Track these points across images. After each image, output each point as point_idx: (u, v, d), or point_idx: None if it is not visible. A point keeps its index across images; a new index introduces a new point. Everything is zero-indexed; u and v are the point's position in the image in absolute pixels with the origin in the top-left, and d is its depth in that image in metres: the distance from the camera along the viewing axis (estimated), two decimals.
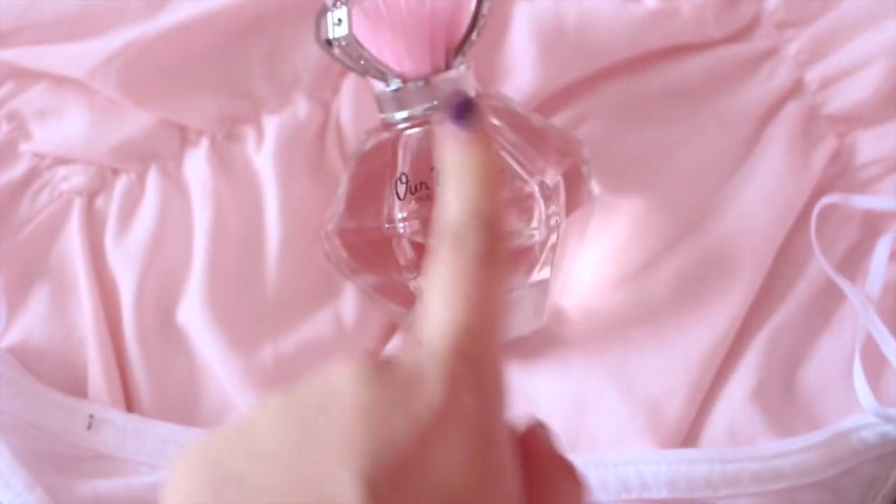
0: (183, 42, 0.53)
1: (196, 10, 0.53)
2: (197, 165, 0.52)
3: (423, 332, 0.31)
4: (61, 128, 0.53)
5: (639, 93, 0.53)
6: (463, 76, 0.46)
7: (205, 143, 0.53)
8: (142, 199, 0.53)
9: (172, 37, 0.52)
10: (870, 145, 0.52)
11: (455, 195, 0.32)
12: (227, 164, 0.53)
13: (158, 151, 0.53)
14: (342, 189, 0.48)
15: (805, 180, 0.52)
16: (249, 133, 0.53)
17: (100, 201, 0.53)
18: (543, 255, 0.46)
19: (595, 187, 0.49)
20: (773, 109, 0.53)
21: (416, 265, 0.45)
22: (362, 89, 0.53)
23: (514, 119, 0.47)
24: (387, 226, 0.45)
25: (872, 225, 0.51)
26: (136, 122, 0.53)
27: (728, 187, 0.52)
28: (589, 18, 0.53)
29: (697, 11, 0.53)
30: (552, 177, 0.45)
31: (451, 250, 0.31)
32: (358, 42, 0.43)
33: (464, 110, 0.33)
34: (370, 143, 0.47)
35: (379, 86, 0.46)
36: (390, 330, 0.52)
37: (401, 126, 0.46)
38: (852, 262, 0.51)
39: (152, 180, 0.53)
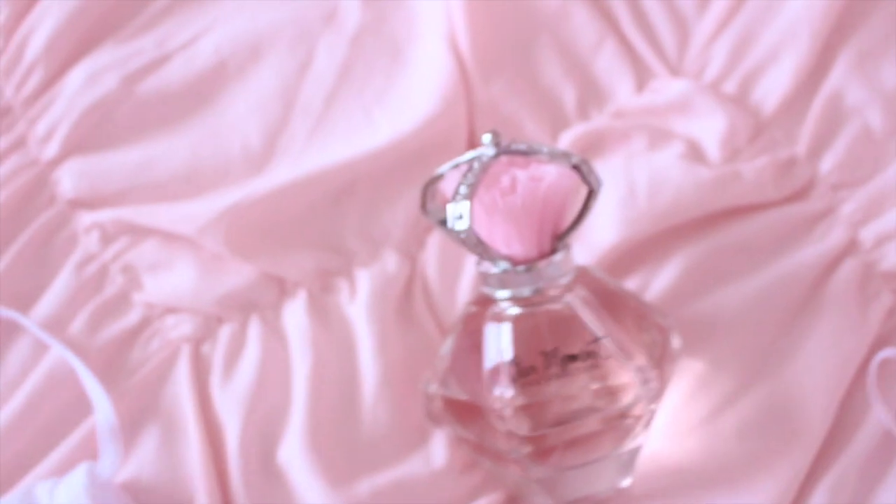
0: (282, 202, 0.58)
1: (293, 175, 0.58)
2: (295, 315, 0.57)
3: None
4: (171, 280, 0.58)
5: (703, 251, 0.56)
6: (564, 260, 0.49)
7: (302, 294, 0.57)
8: (244, 346, 0.57)
9: (273, 198, 0.57)
10: None
11: None
12: (323, 315, 0.57)
13: (259, 302, 0.57)
14: (445, 351, 0.51)
15: (863, 333, 0.55)
16: (343, 286, 0.58)
17: (206, 348, 0.57)
18: (638, 426, 0.49)
19: (678, 349, 0.52)
20: (831, 266, 0.57)
21: (514, 438, 0.49)
22: (445, 243, 0.58)
23: (605, 294, 0.51)
24: (497, 406, 0.48)
25: None
26: (239, 274, 0.58)
27: (789, 340, 0.55)
28: (658, 179, 0.58)
29: (757, 174, 0.57)
30: (646, 356, 0.49)
31: None
32: (476, 235, 0.47)
33: None
34: (472, 314, 0.51)
35: (486, 264, 0.49)
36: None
37: (502, 305, 0.50)
38: None
39: (254, 329, 0.57)
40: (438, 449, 0.54)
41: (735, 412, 0.53)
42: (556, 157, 0.47)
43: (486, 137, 0.48)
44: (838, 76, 0.60)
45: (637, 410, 0.49)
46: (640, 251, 0.57)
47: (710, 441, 0.53)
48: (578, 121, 0.61)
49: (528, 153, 0.48)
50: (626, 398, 0.49)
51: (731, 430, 0.53)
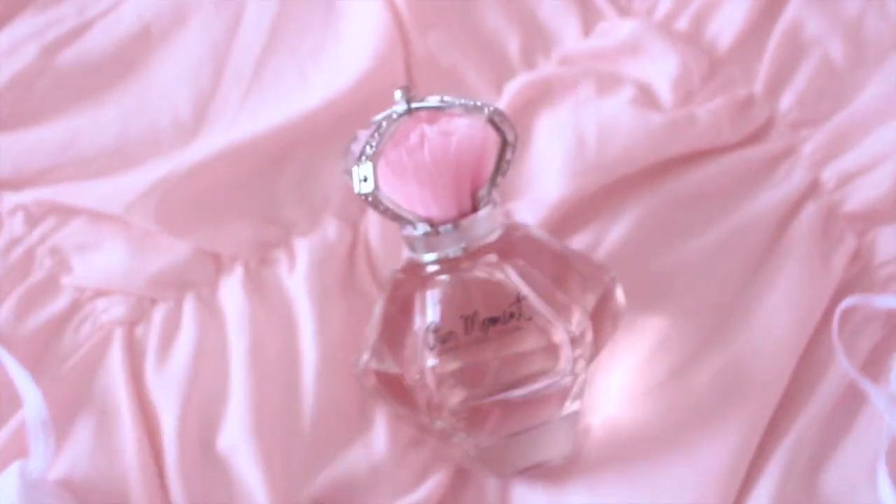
0: (215, 173, 0.55)
1: (226, 141, 0.55)
2: (232, 292, 0.54)
3: None
4: (100, 260, 0.55)
5: (658, 202, 0.54)
6: (490, 215, 0.47)
7: (239, 269, 0.55)
8: (180, 326, 0.54)
9: (205, 168, 0.54)
10: (889, 243, 0.53)
11: None
12: (261, 290, 0.54)
13: (194, 279, 0.55)
14: (373, 324, 0.49)
15: (826, 282, 0.52)
16: (282, 257, 0.55)
17: (139, 331, 0.54)
18: (573, 390, 0.47)
19: (621, 306, 0.49)
20: (792, 211, 0.54)
21: (439, 409, 0.46)
22: None
23: (539, 252, 0.48)
24: (417, 377, 0.46)
25: (895, 324, 0.51)
26: (171, 251, 0.55)
27: (750, 293, 0.52)
28: (608, 128, 0.55)
29: (712, 117, 0.54)
30: (579, 316, 0.46)
31: None
32: (383, 197, 0.45)
33: None
34: (398, 280, 0.48)
35: (408, 227, 0.46)
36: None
37: (430, 269, 0.47)
38: (876, 362, 0.52)
39: (189, 308, 0.54)
40: (382, 429, 0.52)
41: (693, 372, 0.51)
42: (470, 109, 0.45)
43: (397, 94, 0.45)
44: (796, 6, 0.57)
45: (572, 370, 0.47)
46: (590, 205, 0.55)
47: (668, 403, 0.51)
48: (524, 69, 0.58)
49: (440, 108, 0.45)
50: (560, 359, 0.46)
51: (689, 390, 0.51)
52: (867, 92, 0.55)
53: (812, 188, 0.54)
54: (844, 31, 0.56)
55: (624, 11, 0.58)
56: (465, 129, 0.45)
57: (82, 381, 0.54)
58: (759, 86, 0.56)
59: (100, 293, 0.55)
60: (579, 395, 0.48)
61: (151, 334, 0.54)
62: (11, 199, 0.56)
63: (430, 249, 0.47)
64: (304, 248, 0.55)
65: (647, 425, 0.50)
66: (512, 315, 0.45)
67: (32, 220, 0.56)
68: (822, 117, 0.55)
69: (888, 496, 0.47)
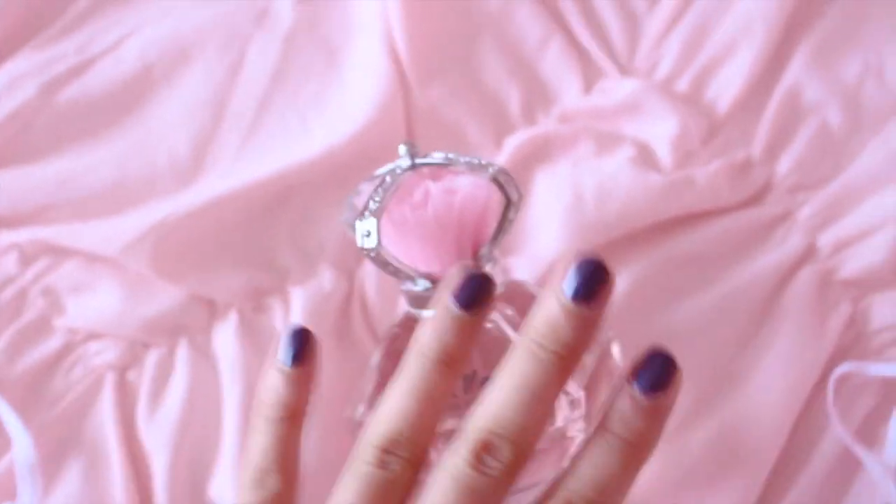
0: (211, 218, 0.54)
1: (223, 188, 0.55)
2: (225, 339, 0.54)
3: None
4: (94, 303, 0.55)
5: (655, 262, 0.54)
6: (491, 273, 0.46)
7: (233, 316, 0.54)
8: (172, 372, 0.54)
9: (201, 213, 0.54)
10: (883, 310, 0.53)
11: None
12: (255, 337, 0.54)
13: (188, 325, 0.54)
14: (368, 377, 0.49)
15: (821, 348, 0.52)
16: (276, 305, 0.55)
17: (131, 375, 0.54)
18: (571, 450, 0.47)
19: (618, 366, 0.49)
20: (788, 275, 0.54)
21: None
22: None
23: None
24: None
25: (889, 391, 0.52)
26: (166, 296, 0.55)
27: (745, 357, 0.52)
28: (607, 187, 0.55)
29: (711, 179, 0.54)
30: (578, 378, 0.46)
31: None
32: (386, 253, 0.44)
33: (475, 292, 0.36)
34: (395, 335, 0.48)
35: (407, 283, 0.46)
36: None
37: None
38: (870, 428, 0.51)
39: (182, 354, 0.54)
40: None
41: (686, 437, 0.51)
42: (475, 167, 0.45)
43: (402, 149, 0.45)
44: (795, 72, 0.57)
45: (571, 432, 0.46)
46: None
47: (660, 469, 0.50)
48: (524, 125, 0.58)
49: (444, 164, 0.45)
50: (557, 420, 0.46)
51: (681, 456, 0.50)
52: (864, 158, 0.55)
53: (808, 253, 0.54)
54: (843, 98, 0.56)
55: (625, 70, 0.58)
56: (468, 188, 0.44)
57: (73, 424, 0.53)
58: (757, 149, 0.56)
59: (92, 336, 0.54)
60: None
61: (144, 379, 0.54)
62: (6, 237, 0.56)
63: (427, 306, 0.46)
64: (299, 297, 0.54)
65: (638, 490, 0.50)
66: None
67: (26, 260, 0.55)
68: (819, 182, 0.55)
69: None
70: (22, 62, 0.59)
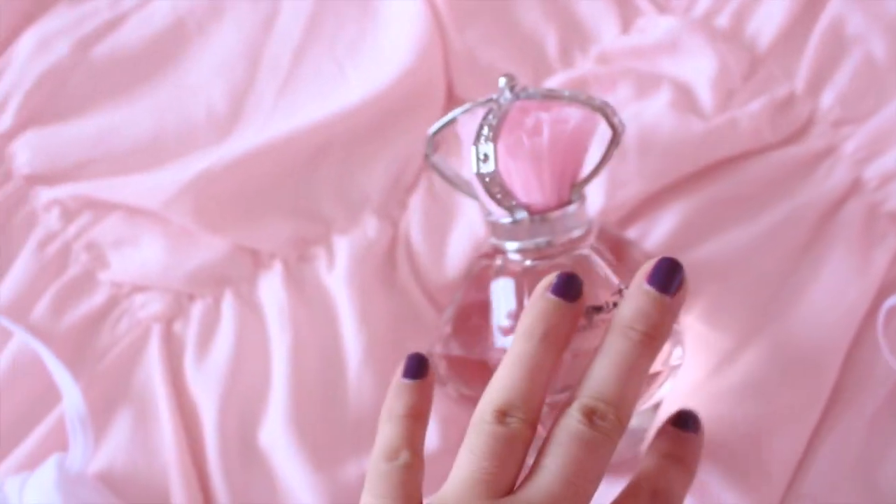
0: (252, 169, 0.54)
1: (264, 137, 0.54)
2: (271, 288, 0.53)
3: None
4: (138, 256, 0.54)
5: (699, 203, 0.53)
6: (579, 210, 0.47)
7: (278, 266, 0.54)
8: (219, 323, 0.54)
9: (242, 165, 0.54)
10: None
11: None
12: (301, 286, 0.54)
13: (232, 276, 0.54)
14: (450, 312, 0.49)
15: (869, 279, 0.52)
16: (321, 254, 0.55)
17: (178, 327, 0.54)
18: (663, 377, 0.47)
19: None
20: (834, 209, 0.53)
21: None
22: (430, 204, 0.55)
23: (616, 246, 0.49)
24: (495, 357, 0.45)
25: None
26: (209, 248, 0.54)
27: (791, 291, 0.52)
28: (648, 136, 0.54)
29: (753, 122, 0.54)
30: None
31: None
32: (501, 179, 0.44)
33: (567, 286, 0.41)
34: (481, 266, 0.48)
35: (495, 213, 0.46)
36: None
37: (513, 256, 0.47)
38: None
39: (228, 304, 0.54)
40: (432, 425, 0.51)
41: (739, 368, 0.51)
42: (578, 100, 0.45)
43: (502, 81, 0.45)
44: (837, 4, 0.56)
45: (664, 360, 0.46)
46: (632, 210, 0.54)
47: (715, 399, 0.50)
48: (561, 67, 0.57)
49: (547, 97, 0.45)
50: None
51: (735, 386, 0.50)
52: None
53: (854, 187, 0.54)
54: (886, 29, 0.55)
55: (662, 8, 0.57)
56: (579, 118, 0.45)
57: (121, 376, 0.54)
58: (799, 84, 0.55)
59: (137, 289, 0.54)
60: (661, 391, 0.48)
61: (190, 330, 0.54)
62: (47, 193, 0.55)
63: (516, 238, 0.47)
64: (343, 246, 0.54)
65: (699, 401, 0.50)
66: (615, 304, 0.44)
67: (68, 215, 0.55)
68: (863, 116, 0.55)
69: None
70: (55, 20, 0.59)
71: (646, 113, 0.54)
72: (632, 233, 0.53)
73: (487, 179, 0.43)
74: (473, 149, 0.43)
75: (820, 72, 0.55)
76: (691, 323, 0.51)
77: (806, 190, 0.54)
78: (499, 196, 0.44)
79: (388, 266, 0.54)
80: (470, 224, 0.53)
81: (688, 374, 0.51)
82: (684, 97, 0.55)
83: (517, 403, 0.38)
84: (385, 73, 0.55)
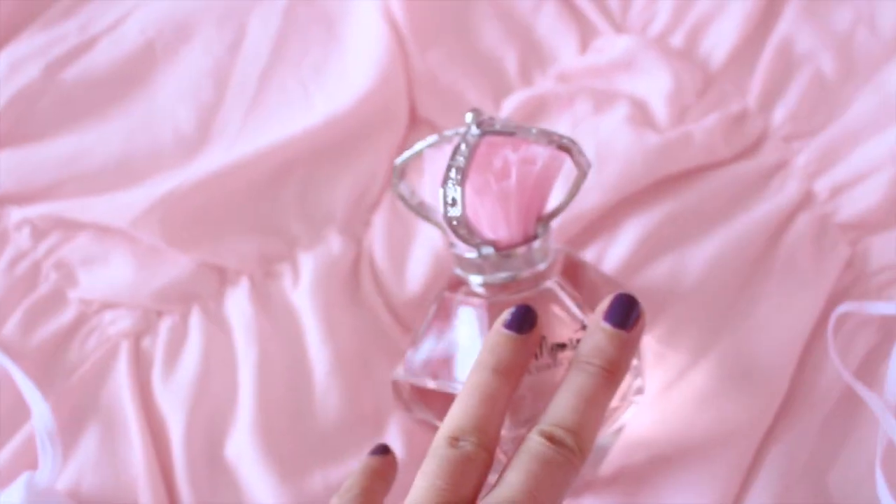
0: (219, 188, 0.55)
1: (230, 156, 0.56)
2: (238, 304, 0.55)
3: None
4: (106, 274, 0.56)
5: (656, 219, 0.54)
6: (543, 244, 0.47)
7: (244, 282, 0.55)
8: (186, 339, 0.55)
9: (209, 184, 0.55)
10: (882, 251, 0.54)
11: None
12: (267, 302, 0.55)
13: (199, 293, 0.55)
14: (416, 339, 0.49)
15: (820, 289, 0.53)
16: (286, 270, 0.56)
17: (146, 343, 0.55)
18: (621, 410, 0.48)
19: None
20: (786, 221, 0.55)
21: None
22: (392, 221, 0.56)
23: (576, 274, 0.49)
24: (458, 388, 0.46)
25: (889, 330, 0.53)
26: (177, 265, 0.56)
27: (745, 304, 0.53)
28: (605, 149, 0.56)
29: (707, 135, 0.55)
30: None
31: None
32: (469, 221, 0.45)
33: (521, 320, 0.42)
34: (444, 297, 0.48)
35: (460, 247, 0.47)
36: None
37: (478, 290, 0.47)
38: (871, 367, 0.52)
39: (195, 320, 0.55)
40: (396, 436, 0.52)
41: (690, 380, 0.52)
42: (544, 137, 0.45)
43: (469, 116, 0.45)
44: (788, 22, 0.58)
45: (622, 394, 0.47)
46: (589, 224, 0.55)
47: (669, 412, 0.51)
48: (521, 86, 0.59)
49: (514, 133, 0.45)
50: None
51: (689, 399, 0.51)
52: (858, 105, 0.56)
53: (805, 199, 0.55)
54: (835, 46, 0.57)
55: (620, 28, 0.59)
56: (546, 159, 0.45)
57: (89, 392, 0.55)
58: (752, 100, 0.57)
59: (106, 306, 0.55)
60: (619, 419, 0.49)
61: (158, 346, 0.55)
62: (17, 213, 0.57)
63: (480, 272, 0.47)
64: (308, 263, 0.55)
65: (648, 437, 0.51)
66: (578, 341, 0.43)
67: (38, 235, 0.56)
68: (814, 130, 0.56)
69: (886, 498, 0.48)
70: (25, 44, 0.60)
71: (603, 127, 0.56)
72: (590, 251, 0.54)
73: (455, 223, 0.44)
74: (441, 191, 0.44)
75: (771, 88, 0.57)
76: (647, 341, 0.52)
77: (759, 203, 0.55)
78: (465, 236, 0.44)
79: (352, 282, 0.55)
80: (430, 240, 0.54)
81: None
82: (640, 112, 0.57)
83: (469, 429, 0.39)
84: (348, 94, 0.57)
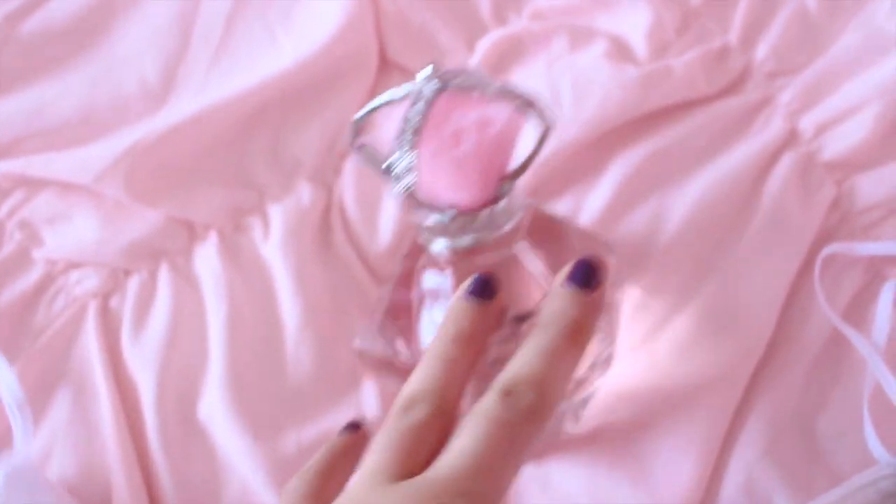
0: (185, 139, 0.54)
1: (196, 107, 0.54)
2: (207, 259, 0.53)
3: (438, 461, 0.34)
4: (71, 232, 0.54)
5: (636, 159, 0.53)
6: (509, 204, 0.44)
7: (213, 237, 0.54)
8: (155, 296, 0.53)
9: (174, 135, 0.53)
10: (868, 190, 0.53)
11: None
12: (237, 256, 0.53)
13: (168, 249, 0.54)
14: (378, 305, 0.47)
15: (806, 229, 0.52)
16: (256, 224, 0.54)
17: (114, 302, 0.54)
18: (594, 375, 0.47)
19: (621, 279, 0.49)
20: (770, 160, 0.53)
21: None
22: (364, 169, 0.55)
23: (549, 234, 0.47)
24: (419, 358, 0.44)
25: (877, 270, 0.51)
26: (143, 221, 0.54)
27: (729, 246, 0.52)
28: (582, 84, 0.54)
29: (687, 69, 0.54)
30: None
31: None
32: (424, 188, 0.42)
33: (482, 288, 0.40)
34: (406, 265, 0.46)
35: (428, 214, 0.44)
36: None
37: (441, 254, 0.45)
38: (858, 308, 0.51)
39: (164, 277, 0.53)
40: (371, 389, 0.51)
41: (673, 325, 0.50)
42: (505, 94, 0.42)
43: (427, 70, 0.42)
44: None
45: (593, 361, 0.46)
46: (569, 165, 0.54)
47: (653, 362, 0.50)
48: (495, 26, 0.57)
49: (472, 89, 0.42)
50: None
51: (673, 347, 0.50)
52: (842, 41, 0.55)
53: (790, 138, 0.53)
54: None
55: None
56: (505, 120, 0.41)
57: (58, 354, 0.53)
58: (733, 37, 0.55)
59: (72, 265, 0.54)
60: (594, 382, 0.47)
61: (126, 305, 0.53)
62: None
63: (443, 235, 0.44)
64: (278, 214, 0.54)
65: (628, 384, 0.50)
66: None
67: (1, 194, 0.55)
68: (798, 67, 0.54)
69: (875, 444, 0.47)
70: None
71: (580, 63, 0.54)
72: (568, 198, 0.52)
73: (407, 192, 0.41)
74: (393, 157, 0.41)
75: (754, 24, 0.55)
76: (631, 293, 0.51)
77: (743, 142, 0.53)
78: (421, 205, 0.41)
79: (323, 233, 0.54)
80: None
81: (624, 341, 0.50)
82: (619, 49, 0.55)
83: (422, 395, 0.36)
84: (316, 38, 0.55)
